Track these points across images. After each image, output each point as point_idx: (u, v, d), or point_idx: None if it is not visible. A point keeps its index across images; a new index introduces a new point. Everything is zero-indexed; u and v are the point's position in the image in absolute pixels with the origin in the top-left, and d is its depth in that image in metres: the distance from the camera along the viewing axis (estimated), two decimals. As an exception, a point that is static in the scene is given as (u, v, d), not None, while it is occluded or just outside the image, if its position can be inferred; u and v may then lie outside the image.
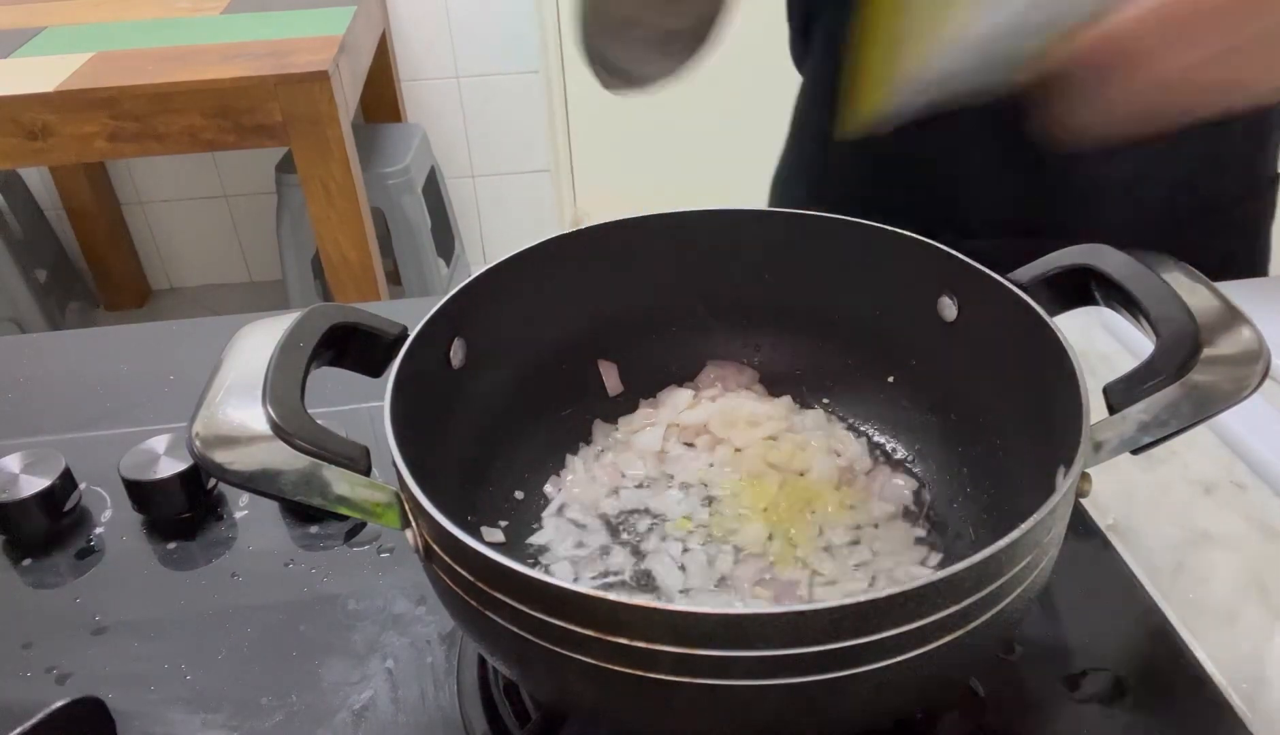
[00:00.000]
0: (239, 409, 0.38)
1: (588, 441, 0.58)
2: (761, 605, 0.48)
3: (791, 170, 0.90)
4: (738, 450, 0.56)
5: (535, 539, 0.53)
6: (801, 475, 0.55)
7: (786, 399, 0.59)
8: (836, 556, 0.50)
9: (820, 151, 0.85)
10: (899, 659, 0.34)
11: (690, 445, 0.58)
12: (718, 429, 0.57)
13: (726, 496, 0.54)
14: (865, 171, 0.81)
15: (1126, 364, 0.40)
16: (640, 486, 0.55)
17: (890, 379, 0.57)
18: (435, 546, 0.39)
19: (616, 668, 0.35)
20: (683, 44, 0.67)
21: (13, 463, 0.58)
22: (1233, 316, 0.42)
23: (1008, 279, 0.48)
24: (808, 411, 0.59)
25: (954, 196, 0.78)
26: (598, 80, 0.70)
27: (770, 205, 0.94)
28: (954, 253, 0.50)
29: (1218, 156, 0.75)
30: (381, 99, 2.29)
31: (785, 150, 0.91)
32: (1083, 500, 0.44)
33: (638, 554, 0.52)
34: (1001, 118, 0.71)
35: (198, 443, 0.38)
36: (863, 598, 0.33)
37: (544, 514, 0.54)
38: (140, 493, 0.57)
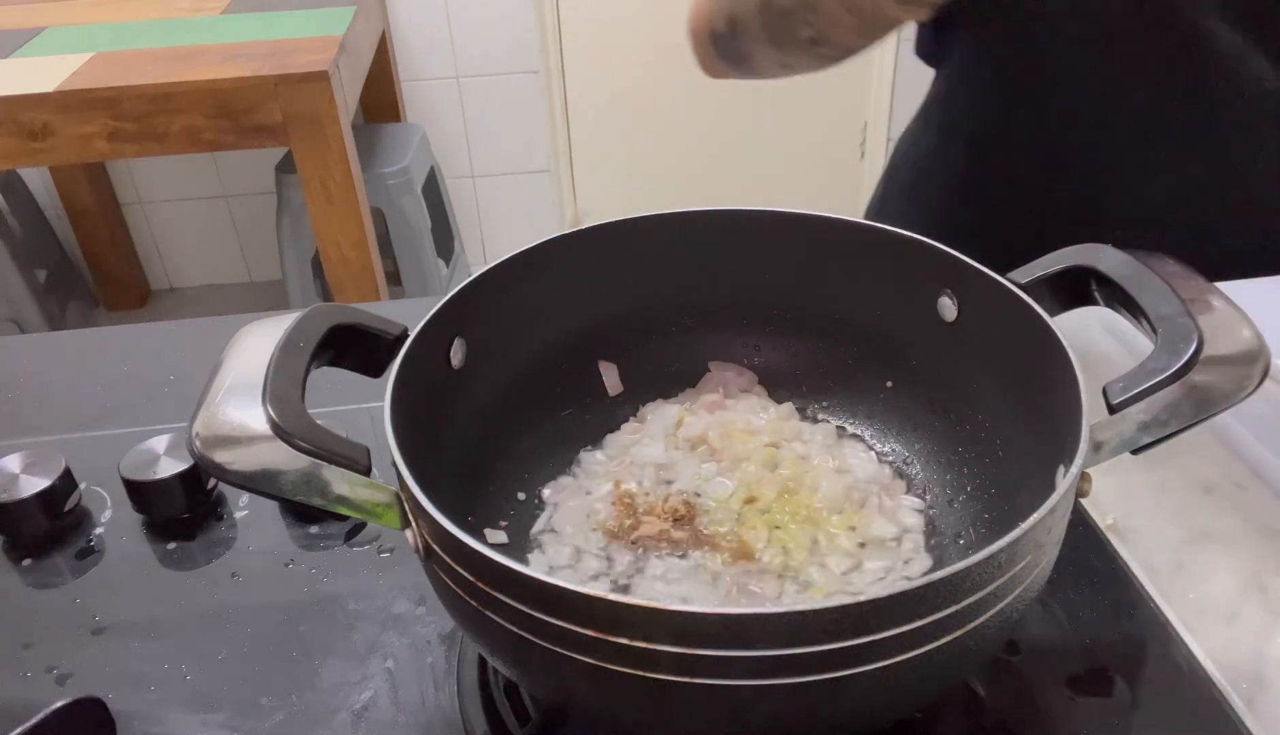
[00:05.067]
0: (239, 409, 0.38)
1: (587, 445, 0.58)
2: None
3: (930, 161, 0.88)
4: (739, 460, 0.56)
5: (531, 552, 0.53)
6: (812, 493, 0.54)
7: (788, 406, 0.59)
8: (831, 570, 0.50)
9: (971, 146, 0.83)
10: (899, 659, 0.34)
11: (689, 452, 0.57)
12: (716, 439, 0.57)
13: (725, 502, 0.54)
14: (1020, 163, 0.80)
15: (1126, 364, 0.40)
16: (638, 493, 0.55)
17: (889, 381, 0.57)
18: (435, 547, 0.39)
19: (616, 668, 0.35)
20: (846, 56, 0.69)
21: (13, 463, 0.58)
22: (1233, 316, 0.42)
23: (1008, 279, 0.48)
24: (816, 425, 0.58)
25: (1111, 188, 0.77)
26: (700, 62, 0.72)
27: (891, 197, 0.92)
28: (954, 253, 0.50)
29: None
30: (381, 99, 2.29)
31: (910, 146, 0.90)
32: (1083, 500, 0.44)
33: (634, 561, 0.51)
34: (1170, 105, 0.71)
35: (198, 443, 0.38)
36: (863, 598, 0.33)
37: (538, 527, 0.54)
38: (140, 493, 0.57)
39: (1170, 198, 0.76)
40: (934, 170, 0.87)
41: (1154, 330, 0.41)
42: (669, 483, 0.55)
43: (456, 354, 0.51)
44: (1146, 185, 0.76)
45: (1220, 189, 0.75)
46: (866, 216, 0.73)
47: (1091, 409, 0.40)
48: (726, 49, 0.71)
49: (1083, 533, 0.55)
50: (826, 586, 0.49)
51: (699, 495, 0.54)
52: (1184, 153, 0.74)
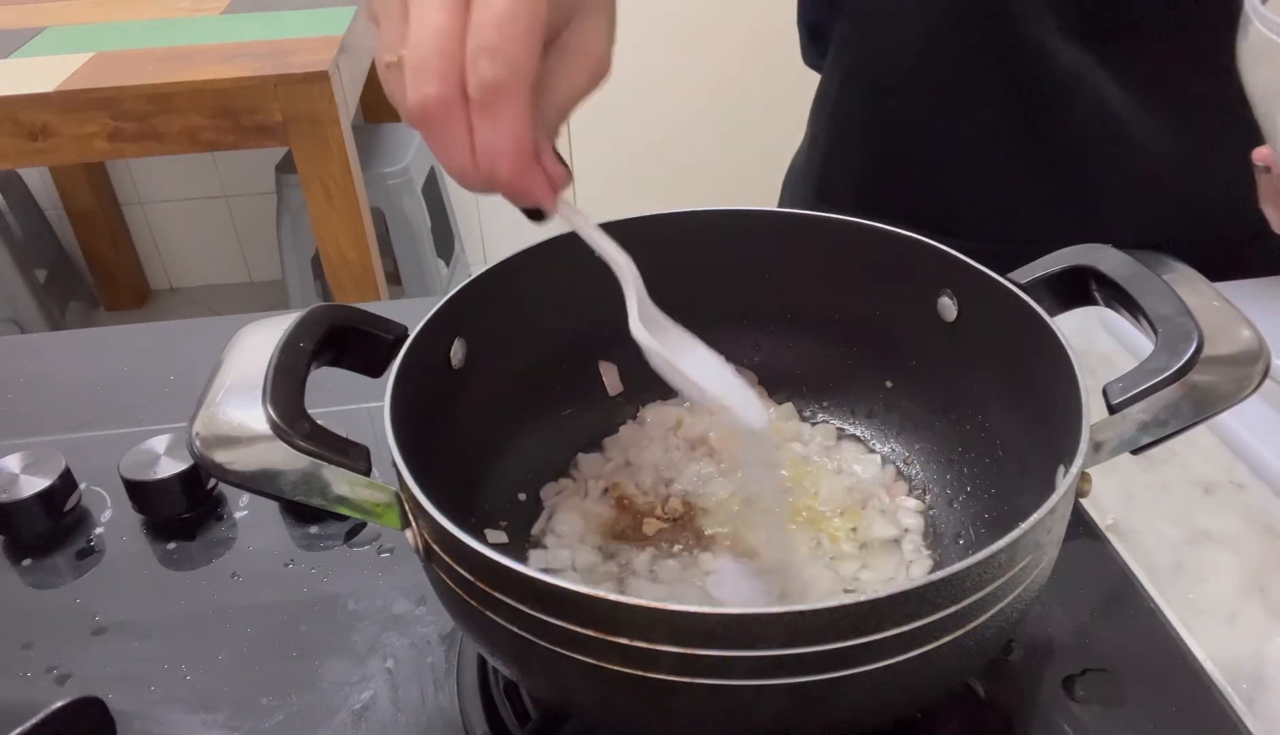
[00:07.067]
0: (239, 409, 0.38)
1: (587, 446, 0.58)
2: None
3: (803, 164, 0.91)
4: (739, 461, 0.56)
5: (531, 552, 0.53)
6: (812, 494, 0.54)
7: (788, 406, 0.59)
8: (831, 570, 0.50)
9: (828, 146, 0.86)
10: (899, 659, 0.34)
11: (688, 453, 0.57)
12: (716, 440, 0.57)
13: (725, 502, 0.54)
14: (869, 166, 0.82)
15: (1126, 364, 0.40)
16: (639, 496, 0.55)
17: (889, 381, 0.57)
18: (435, 547, 0.39)
19: (616, 668, 0.35)
20: None
21: (13, 463, 0.58)
22: (1233, 316, 0.42)
23: (1008, 279, 0.48)
24: (816, 425, 0.58)
25: (955, 197, 0.78)
26: None
27: (781, 198, 0.95)
28: (954, 253, 0.50)
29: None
30: (381, 99, 2.27)
31: (800, 144, 0.93)
32: (1083, 500, 0.44)
33: (633, 561, 0.51)
34: (1013, 119, 0.73)
35: (198, 443, 0.38)
36: (862, 598, 0.33)
37: (538, 527, 0.54)
38: (140, 493, 0.57)
39: (1010, 209, 0.77)
40: (801, 169, 0.91)
41: (1154, 330, 0.41)
42: (668, 483, 0.55)
43: (456, 354, 0.51)
44: (989, 195, 0.77)
45: (1061, 204, 0.76)
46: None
47: (1091, 409, 0.40)
48: None
49: (1083, 533, 0.55)
50: (826, 587, 0.49)
51: (699, 496, 0.54)
52: (1024, 166, 0.75)
